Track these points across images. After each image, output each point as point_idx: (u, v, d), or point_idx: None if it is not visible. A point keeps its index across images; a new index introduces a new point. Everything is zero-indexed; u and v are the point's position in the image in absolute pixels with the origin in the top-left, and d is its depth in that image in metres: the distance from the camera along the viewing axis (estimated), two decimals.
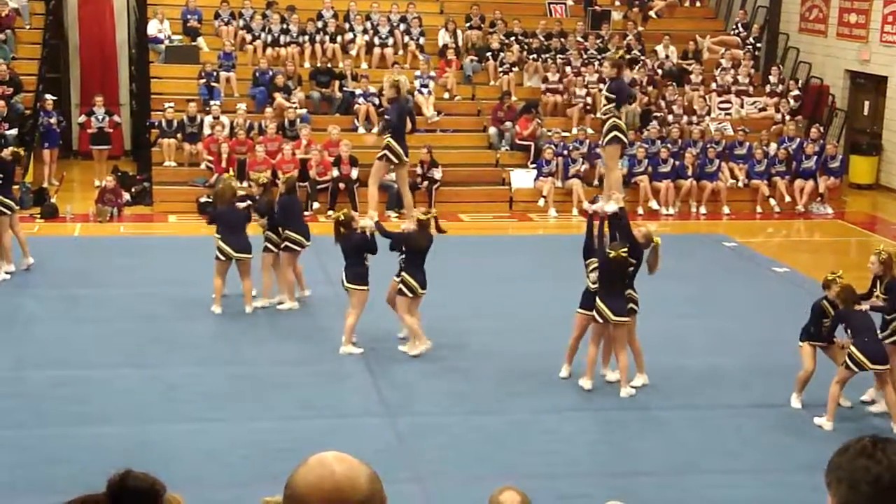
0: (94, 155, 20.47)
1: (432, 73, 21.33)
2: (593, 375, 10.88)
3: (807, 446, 9.70)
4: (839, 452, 2.45)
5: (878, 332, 10.37)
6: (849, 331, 10.27)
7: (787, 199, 19.93)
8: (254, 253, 13.17)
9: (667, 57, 22.82)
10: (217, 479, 8.81)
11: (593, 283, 10.80)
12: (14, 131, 19.11)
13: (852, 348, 10.07)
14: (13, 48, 20.82)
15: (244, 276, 13.15)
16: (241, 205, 13.24)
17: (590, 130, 20.72)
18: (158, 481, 2.59)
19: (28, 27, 21.81)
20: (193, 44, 21.60)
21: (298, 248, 13.29)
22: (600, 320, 10.70)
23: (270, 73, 20.61)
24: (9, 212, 14.16)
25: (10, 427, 9.62)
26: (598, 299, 10.66)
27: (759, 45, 23.81)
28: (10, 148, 14.96)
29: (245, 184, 17.61)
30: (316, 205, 18.73)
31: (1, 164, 14.18)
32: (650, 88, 21.77)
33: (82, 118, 20.68)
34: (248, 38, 21.63)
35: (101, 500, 2.45)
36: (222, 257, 12.96)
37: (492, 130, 20.72)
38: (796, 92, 22.26)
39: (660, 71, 22.41)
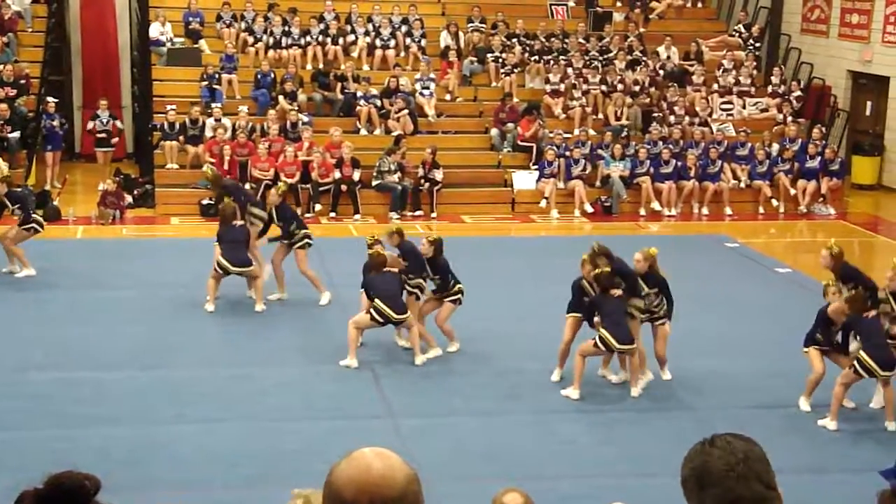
0: (99, 157, 20.46)
1: (433, 75, 21.35)
2: (580, 385, 10.72)
3: (811, 448, 9.72)
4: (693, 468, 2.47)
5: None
6: (858, 336, 10.19)
7: (792, 192, 19.92)
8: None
9: (668, 58, 22.82)
10: (221, 479, 8.82)
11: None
12: (17, 134, 19.14)
13: (862, 354, 9.94)
14: (15, 51, 20.84)
15: (252, 282, 13.33)
16: (239, 223, 13.34)
17: (591, 132, 20.75)
18: (92, 479, 2.61)
19: (30, 30, 21.84)
20: (195, 46, 21.62)
21: (312, 243, 13.54)
22: (603, 349, 10.63)
23: (272, 75, 20.62)
24: (40, 229, 14.42)
25: (15, 429, 9.64)
26: (603, 329, 10.54)
27: (760, 45, 23.81)
28: None
29: (248, 186, 17.68)
30: (318, 207, 18.74)
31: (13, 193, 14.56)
32: (652, 89, 21.77)
33: (91, 125, 20.54)
34: (250, 40, 21.65)
35: (34, 493, 2.56)
36: (220, 271, 13.12)
37: (493, 132, 20.72)
38: (798, 93, 22.26)
39: (661, 72, 22.42)
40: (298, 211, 18.17)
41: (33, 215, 14.33)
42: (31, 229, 14.25)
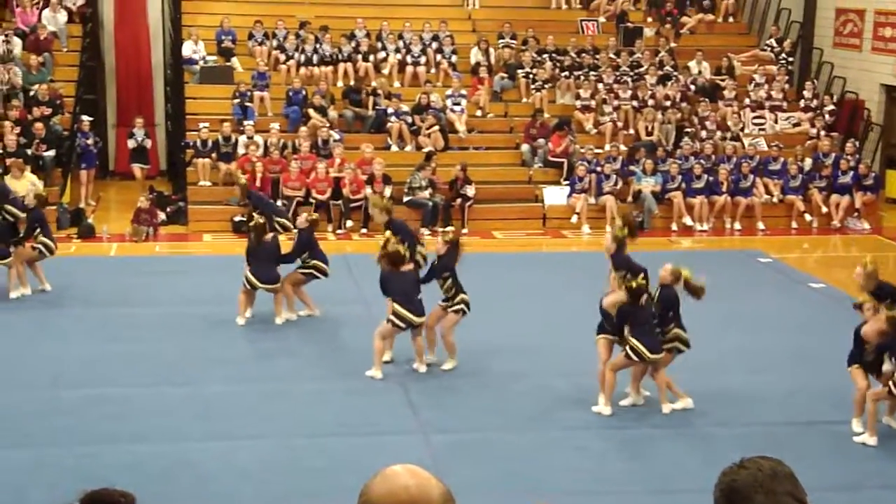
0: (136, 173, 20.62)
1: (464, 91, 21.40)
2: (611, 401, 10.65)
3: (846, 464, 9.60)
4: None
5: None
6: (893, 359, 10.00)
7: (824, 209, 19.77)
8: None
9: (700, 73, 22.74)
10: (252, 497, 8.83)
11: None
12: (52, 152, 19.36)
13: None
14: (51, 70, 21.10)
15: (276, 296, 13.41)
16: (269, 237, 13.38)
17: (622, 147, 20.69)
18: (128, 497, 2.63)
19: (65, 50, 22.09)
20: (227, 64, 21.79)
21: (323, 277, 13.51)
22: (636, 359, 10.51)
23: (303, 92, 20.74)
24: (49, 254, 14.41)
25: (48, 445, 9.70)
26: (632, 338, 10.46)
27: (792, 60, 23.68)
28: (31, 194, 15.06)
29: (280, 202, 17.82)
30: (350, 223, 18.80)
31: (37, 213, 14.44)
32: (683, 104, 21.69)
33: (131, 143, 20.64)
34: (282, 57, 21.79)
35: None
36: (248, 287, 13.25)
37: (524, 147, 20.72)
38: (831, 107, 22.11)
39: (693, 87, 22.34)
40: (329, 227, 18.28)
41: (42, 238, 14.32)
42: (37, 249, 14.29)
